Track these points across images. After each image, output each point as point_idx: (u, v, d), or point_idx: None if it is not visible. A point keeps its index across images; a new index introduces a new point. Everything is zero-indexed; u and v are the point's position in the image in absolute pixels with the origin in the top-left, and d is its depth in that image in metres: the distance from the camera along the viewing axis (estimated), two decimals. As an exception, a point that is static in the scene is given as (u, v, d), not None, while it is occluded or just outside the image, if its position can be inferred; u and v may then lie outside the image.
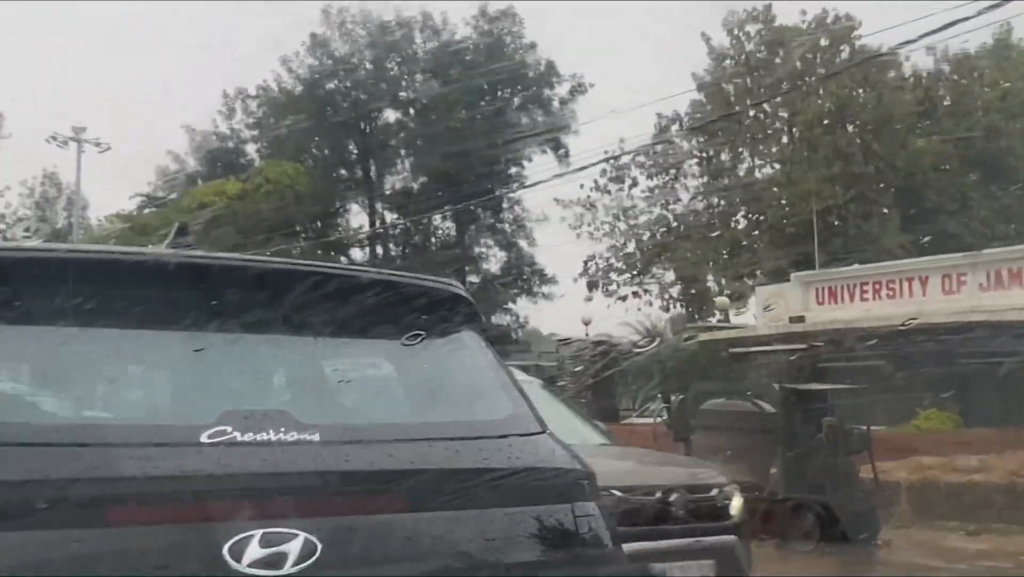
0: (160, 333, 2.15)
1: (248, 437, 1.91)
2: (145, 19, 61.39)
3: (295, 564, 1.81)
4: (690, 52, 40.15)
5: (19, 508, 1.69)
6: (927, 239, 33.08)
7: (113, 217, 40.71)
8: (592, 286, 38.82)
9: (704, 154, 38.18)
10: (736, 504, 6.60)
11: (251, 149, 42.52)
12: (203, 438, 1.88)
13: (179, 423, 2.04)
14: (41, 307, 2.02)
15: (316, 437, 1.97)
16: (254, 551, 1.80)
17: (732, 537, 6.29)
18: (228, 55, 69.77)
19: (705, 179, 38.20)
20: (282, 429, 1.96)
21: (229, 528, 1.78)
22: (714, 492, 6.40)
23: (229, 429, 1.92)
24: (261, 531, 1.80)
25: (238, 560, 1.76)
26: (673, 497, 6.05)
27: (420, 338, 2.42)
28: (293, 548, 1.82)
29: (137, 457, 1.82)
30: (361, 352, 2.50)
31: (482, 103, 39.58)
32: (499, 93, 40.24)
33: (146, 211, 40.00)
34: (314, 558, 1.82)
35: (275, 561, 1.80)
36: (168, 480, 1.81)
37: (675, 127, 37.31)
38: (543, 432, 2.38)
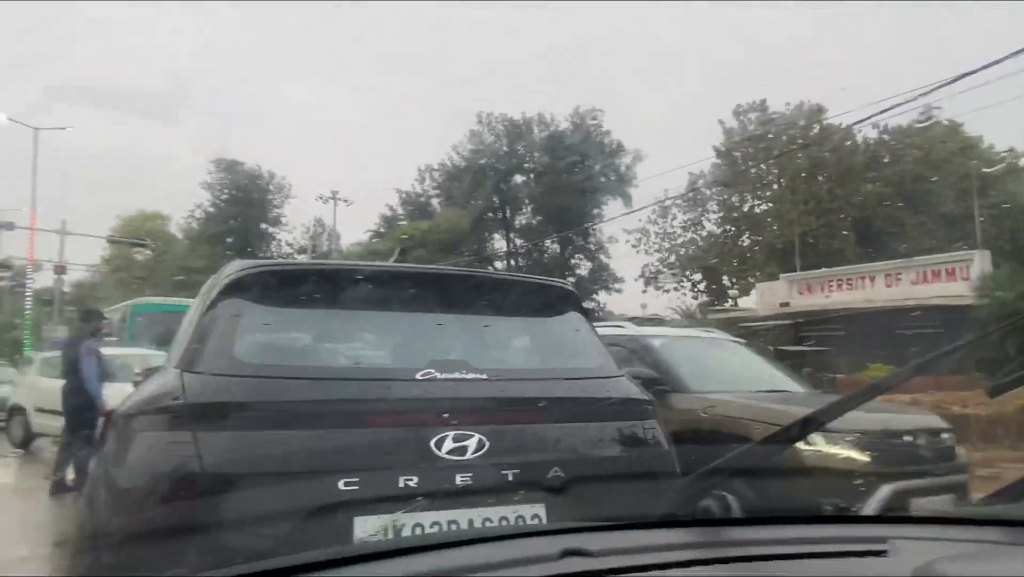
0: (389, 314, 2.73)
1: (444, 376, 2.41)
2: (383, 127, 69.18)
3: (472, 453, 2.26)
4: (711, 131, 43.18)
5: (315, 416, 2.23)
6: (874, 251, 34.20)
7: (355, 244, 48.34)
8: (647, 283, 44.22)
9: (720, 197, 42.61)
10: (958, 446, 5.87)
11: (435, 202, 48.89)
12: (417, 376, 2.39)
13: (403, 367, 2.58)
14: (321, 298, 2.61)
15: (484, 376, 2.46)
16: (448, 444, 2.24)
17: (963, 476, 5.62)
18: (421, 143, 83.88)
19: (721, 213, 42.87)
20: (463, 371, 2.46)
21: (432, 431, 2.25)
22: (945, 436, 5.72)
23: (433, 371, 2.41)
24: (452, 432, 2.25)
25: (439, 449, 2.22)
26: (921, 440, 5.45)
27: (545, 316, 2.92)
28: (471, 444, 2.27)
29: (379, 387, 2.35)
30: (509, 326, 2.93)
31: (576, 169, 45.40)
32: (586, 163, 45.95)
33: (374, 240, 47.26)
34: (484, 449, 2.26)
35: (461, 451, 2.25)
36: (398, 401, 2.32)
37: (700, 181, 41.78)
38: (621, 375, 2.79)
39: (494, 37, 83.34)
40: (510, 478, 2.34)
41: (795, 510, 1.87)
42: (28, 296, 34.63)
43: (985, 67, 11.71)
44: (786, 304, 26.68)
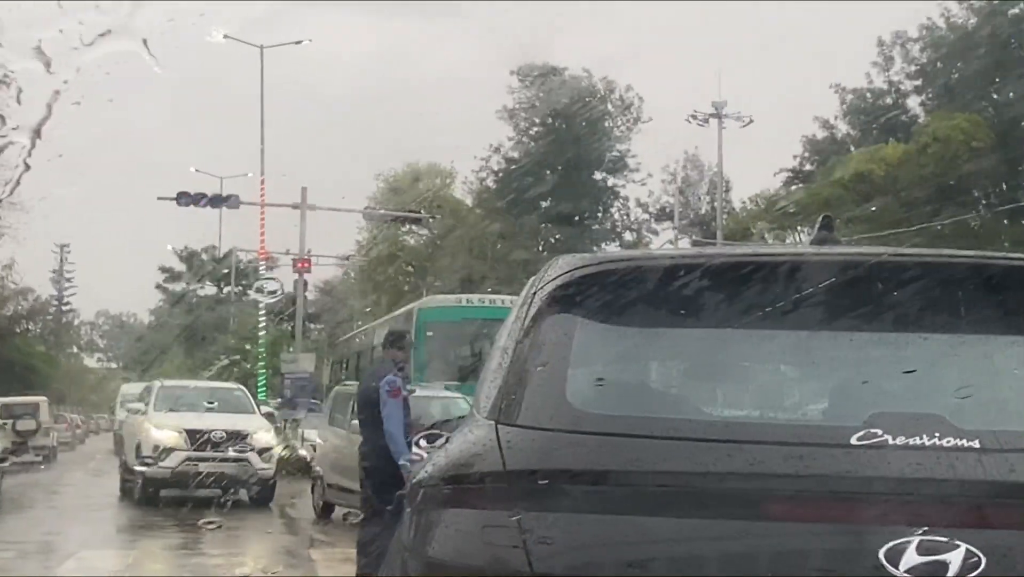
0: (806, 334, 1.94)
1: (899, 441, 1.65)
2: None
3: (956, 574, 1.53)
4: None
5: (682, 497, 1.65)
6: None
7: (758, 196, 33.44)
8: None
9: None
10: None
11: (914, 103, 32.69)
12: (853, 440, 1.68)
13: (830, 424, 1.85)
14: (699, 309, 1.93)
15: (976, 444, 1.65)
16: (911, 558, 1.55)
17: None
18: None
19: None
20: (935, 433, 1.65)
21: (880, 533, 1.56)
22: None
23: (879, 431, 1.68)
24: (916, 538, 1.56)
25: (894, 565, 1.53)
26: None
27: None
28: (954, 559, 1.54)
29: (788, 456, 1.67)
30: (1019, 353, 1.98)
31: None
32: None
33: (793, 188, 32.01)
34: (978, 571, 1.52)
35: (936, 569, 1.54)
36: (819, 478, 1.64)
37: None
38: None
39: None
40: None
41: None
42: (261, 310, 26.00)
43: None
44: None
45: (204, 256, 46.17)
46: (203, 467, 12.01)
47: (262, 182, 25.67)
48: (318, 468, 11.72)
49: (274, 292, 27.53)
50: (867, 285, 1.81)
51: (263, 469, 12.64)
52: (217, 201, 24.57)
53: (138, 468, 12.41)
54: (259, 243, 26.06)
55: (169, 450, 12.17)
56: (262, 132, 26.22)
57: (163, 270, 48.13)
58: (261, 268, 28.17)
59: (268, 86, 27.43)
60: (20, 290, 38.29)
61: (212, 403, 13.60)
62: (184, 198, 23.30)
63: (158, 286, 49.21)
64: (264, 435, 13.28)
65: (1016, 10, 28.32)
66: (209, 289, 46.60)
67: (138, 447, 12.72)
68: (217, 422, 12.58)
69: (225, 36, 20.42)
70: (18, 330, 39.67)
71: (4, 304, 35.10)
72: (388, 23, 72.69)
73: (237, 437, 12.53)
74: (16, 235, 30.93)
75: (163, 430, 12.41)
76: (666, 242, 36.43)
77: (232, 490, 12.62)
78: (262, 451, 12.77)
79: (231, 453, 12.48)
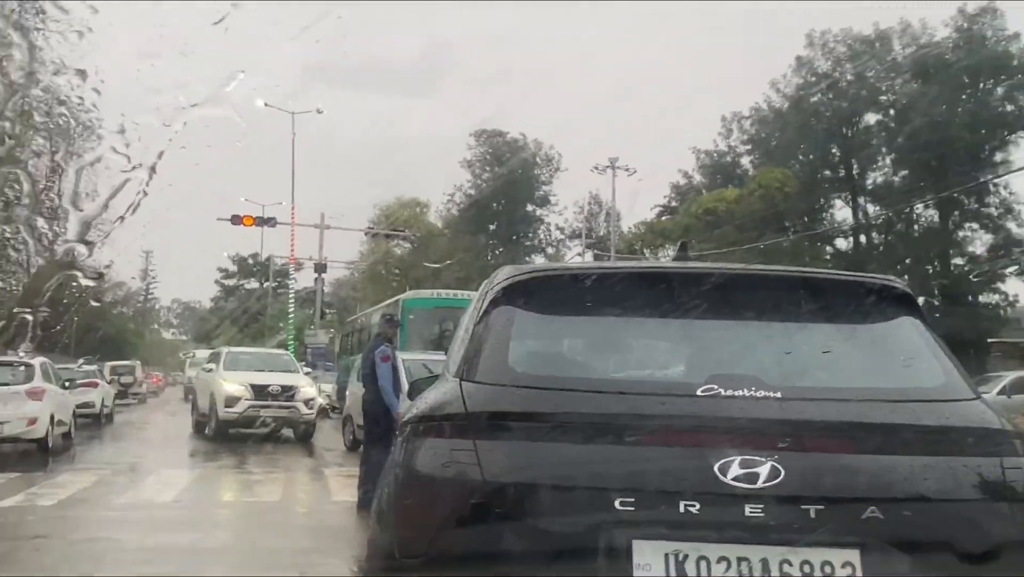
0: (669, 321, 2.27)
1: (728, 392, 1.97)
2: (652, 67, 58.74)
3: (764, 482, 1.83)
4: None
5: (590, 430, 1.92)
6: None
7: (639, 225, 39.19)
8: None
9: None
10: None
11: (746, 161, 38.16)
12: (698, 392, 1.98)
13: (682, 381, 2.15)
14: (595, 305, 2.26)
15: (778, 395, 1.99)
16: (734, 470, 1.84)
17: None
18: (724, 86, 67.45)
19: None
20: (752, 388, 1.99)
21: (716, 453, 1.85)
22: None
23: (716, 386, 2.00)
24: (739, 457, 1.85)
25: (724, 475, 1.82)
26: None
27: (866, 324, 2.33)
28: (763, 471, 1.84)
29: (657, 402, 1.98)
30: (816, 335, 2.32)
31: (963, 96, 31.20)
32: (981, 85, 31.46)
33: (663, 219, 37.83)
34: (779, 479, 1.83)
35: (750, 478, 1.83)
36: (677, 418, 1.94)
37: None
38: (974, 399, 2.12)
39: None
40: (812, 515, 1.83)
41: None
42: (291, 299, 32.42)
43: None
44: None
45: (250, 261, 50.50)
46: (263, 413, 12.99)
47: (292, 208, 29.26)
48: (350, 412, 12.23)
49: (296, 289, 32.65)
50: (710, 288, 2.22)
51: (307, 414, 13.49)
52: (260, 222, 27.58)
53: (217, 412, 13.11)
54: (290, 252, 30.24)
55: (237, 399, 12.91)
56: (293, 172, 30.25)
57: (220, 270, 53.48)
58: (291, 270, 32.97)
59: (298, 139, 32.24)
60: (116, 283, 42.30)
61: (267, 365, 14.49)
62: (235, 219, 26.52)
63: (216, 281, 54.38)
64: (308, 389, 13.96)
65: (815, 98, 33.48)
66: (253, 284, 51.16)
67: (212, 396, 13.49)
68: (272, 379, 13.35)
69: (265, 104, 23.98)
70: (116, 312, 43.88)
71: (106, 293, 36.94)
72: (385, 99, 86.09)
73: (288, 390, 13.32)
74: (115, 244, 33.61)
75: (233, 384, 13.10)
76: (575, 255, 41.12)
77: (282, 429, 13.65)
78: (307, 401, 13.56)
79: (284, 402, 13.26)
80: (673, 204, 38.39)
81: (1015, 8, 34.74)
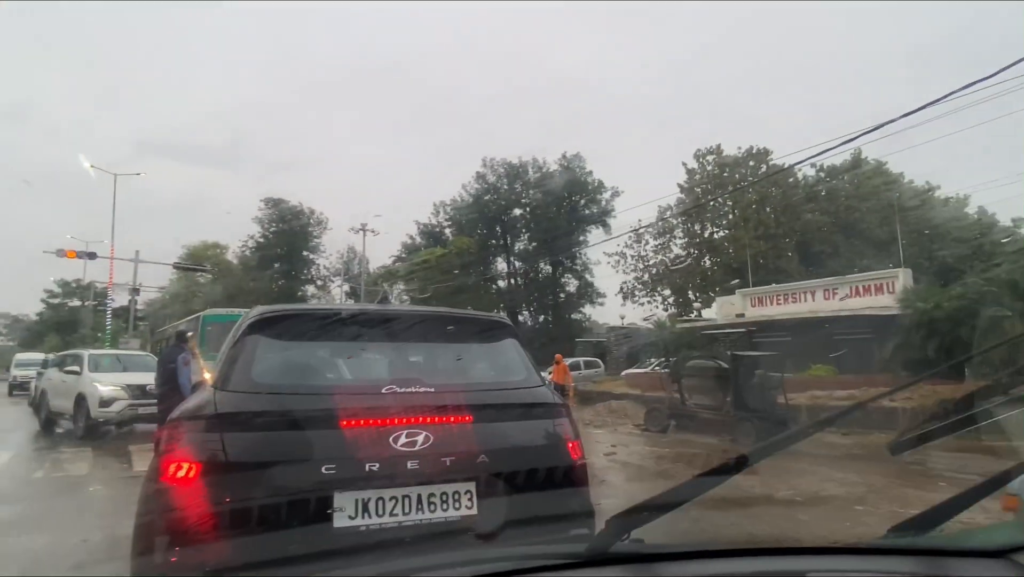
0: (365, 343, 2.94)
1: (401, 390, 2.64)
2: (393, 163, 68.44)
3: (420, 445, 2.47)
4: (675, 170, 43.86)
5: (307, 421, 2.46)
6: (814, 269, 34.74)
7: (380, 268, 48.22)
8: (624, 298, 44.68)
9: (685, 226, 43.01)
10: None
11: (448, 231, 48.32)
12: (383, 390, 2.61)
13: (372, 384, 2.77)
14: (316, 334, 2.89)
15: (432, 389, 2.68)
16: (402, 439, 2.46)
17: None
18: (439, 184, 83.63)
19: (686, 239, 43.27)
20: (416, 386, 2.68)
21: (391, 430, 2.46)
22: None
23: (394, 386, 2.64)
24: (405, 430, 2.46)
25: (395, 443, 2.45)
26: None
27: (485, 343, 3.13)
28: (420, 439, 2.48)
29: (354, 399, 2.57)
30: (457, 351, 3.09)
31: (565, 203, 45.59)
32: (573, 198, 46.12)
33: (397, 264, 47.51)
34: (429, 443, 2.48)
35: (412, 444, 2.46)
36: (366, 409, 2.51)
37: (668, 212, 42.76)
38: (541, 385, 2.98)
39: (494, 108, 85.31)
40: (447, 464, 2.53)
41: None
42: (108, 314, 35.85)
43: (904, 116, 11.51)
44: (741, 314, 27.27)
45: (73, 285, 53.56)
46: (142, 411, 12.15)
47: (112, 245, 31.77)
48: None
49: (115, 307, 34.50)
50: (391, 323, 2.82)
51: None
52: (82, 255, 28.80)
53: (88, 412, 12.18)
54: (108, 279, 33.29)
55: (114, 399, 12.25)
56: (113, 217, 35.76)
57: (46, 291, 55.42)
58: (109, 292, 35.74)
59: (122, 194, 36.63)
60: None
61: (126, 365, 13.76)
62: (60, 252, 26.83)
63: (42, 300, 56.49)
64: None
65: (486, 197, 46.36)
66: (76, 303, 53.03)
67: (79, 397, 12.54)
68: (145, 378, 12.29)
69: (92, 166, 29.18)
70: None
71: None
72: (199, 168, 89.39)
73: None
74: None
75: (107, 386, 12.34)
76: (337, 286, 47.54)
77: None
78: None
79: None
80: (403, 255, 47.40)
81: (591, 155, 50.85)
